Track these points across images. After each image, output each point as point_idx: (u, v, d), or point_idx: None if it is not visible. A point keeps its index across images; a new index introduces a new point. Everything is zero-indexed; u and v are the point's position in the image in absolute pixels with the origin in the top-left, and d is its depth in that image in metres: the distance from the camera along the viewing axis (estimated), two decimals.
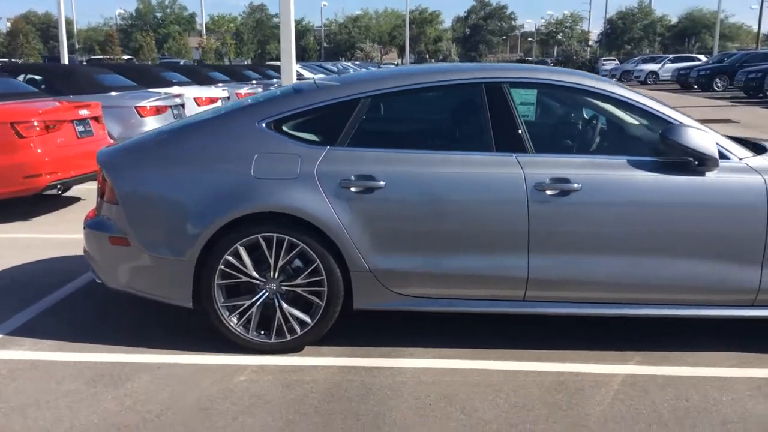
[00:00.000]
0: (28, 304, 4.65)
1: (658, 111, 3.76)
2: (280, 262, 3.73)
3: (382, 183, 3.65)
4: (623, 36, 73.63)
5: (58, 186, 7.09)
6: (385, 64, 58.01)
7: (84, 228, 4.15)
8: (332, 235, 3.66)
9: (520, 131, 3.76)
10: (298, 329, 3.80)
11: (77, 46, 70.73)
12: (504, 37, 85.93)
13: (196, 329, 4.12)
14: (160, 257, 3.80)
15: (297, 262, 3.77)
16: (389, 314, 3.99)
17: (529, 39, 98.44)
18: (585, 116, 4.38)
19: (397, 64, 54.15)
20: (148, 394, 3.39)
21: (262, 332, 3.83)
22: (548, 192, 3.61)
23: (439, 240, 3.68)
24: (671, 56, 44.30)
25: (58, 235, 6.51)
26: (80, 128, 7.48)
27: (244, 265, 3.74)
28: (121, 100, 9.62)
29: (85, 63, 35.06)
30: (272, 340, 3.82)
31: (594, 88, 3.86)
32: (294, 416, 3.17)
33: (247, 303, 3.80)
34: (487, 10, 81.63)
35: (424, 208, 3.68)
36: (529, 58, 74.68)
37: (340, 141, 3.81)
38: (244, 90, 14.54)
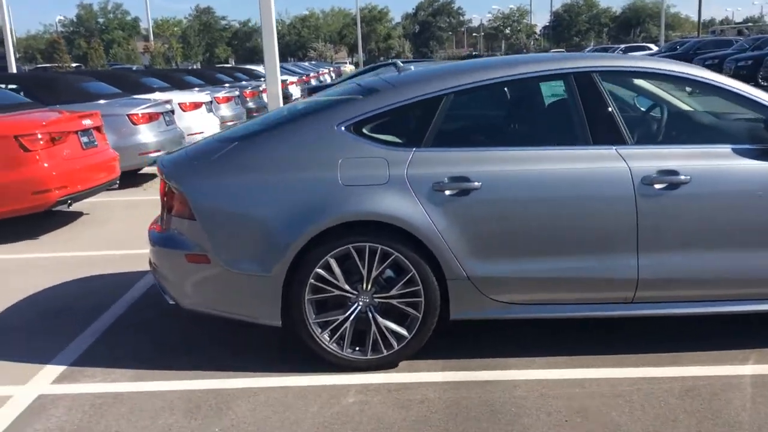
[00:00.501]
0: (76, 330, 4.31)
1: (759, 98, 3.66)
2: (374, 273, 3.51)
3: (477, 184, 3.46)
4: (570, 28, 74.76)
5: (68, 201, 6.69)
6: (338, 63, 57.63)
7: (152, 245, 3.85)
8: (427, 241, 3.45)
9: (617, 122, 3.61)
10: (394, 343, 3.58)
11: (17, 55, 68.37)
12: (452, 33, 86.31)
13: (278, 348, 3.87)
14: (245, 274, 3.54)
15: (389, 272, 3.56)
16: (469, 322, 3.78)
17: (474, 34, 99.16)
18: (679, 104, 4.25)
19: (357, 64, 53.86)
20: (257, 423, 3.14)
21: (357, 348, 3.61)
22: (656, 186, 3.47)
23: (541, 241, 3.51)
24: (623, 46, 45.11)
25: (73, 254, 6.13)
26: (85, 139, 7.08)
27: (335, 277, 3.52)
28: (112, 109, 9.18)
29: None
30: (368, 356, 3.60)
31: (690, 75, 3.73)
32: None
33: (341, 318, 3.57)
34: (435, 6, 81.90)
35: (524, 209, 3.50)
36: (475, 53, 75.14)
37: (426, 141, 3.60)
38: (222, 94, 14.14)
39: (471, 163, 3.52)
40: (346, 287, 3.54)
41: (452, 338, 3.88)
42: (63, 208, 6.77)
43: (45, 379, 3.66)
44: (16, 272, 5.67)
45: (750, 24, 77.34)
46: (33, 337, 4.24)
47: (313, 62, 48.85)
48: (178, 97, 11.83)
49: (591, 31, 74.54)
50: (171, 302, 3.80)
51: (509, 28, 77.70)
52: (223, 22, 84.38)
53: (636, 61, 3.87)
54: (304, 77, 27.62)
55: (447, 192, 3.46)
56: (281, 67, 36.81)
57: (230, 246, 3.56)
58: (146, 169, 10.06)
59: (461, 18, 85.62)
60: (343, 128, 3.63)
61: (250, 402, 3.33)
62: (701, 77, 3.72)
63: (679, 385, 3.32)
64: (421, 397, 3.31)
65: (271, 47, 12.29)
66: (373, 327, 3.57)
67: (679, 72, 3.75)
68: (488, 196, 3.47)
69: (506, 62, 3.99)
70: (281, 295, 3.53)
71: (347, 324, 3.57)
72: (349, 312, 3.57)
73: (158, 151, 9.44)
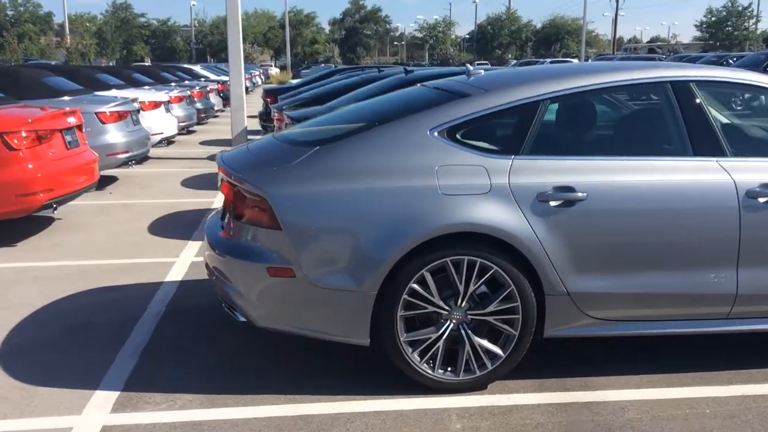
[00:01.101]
0: (110, 348, 3.92)
1: None
2: (471, 289, 3.32)
3: (583, 194, 3.33)
4: (493, 41, 76.35)
5: (54, 205, 6.15)
6: (263, 65, 56.73)
7: (220, 255, 3.51)
8: (530, 255, 3.29)
9: (717, 133, 3.55)
10: (488, 363, 3.40)
11: None
12: (379, 40, 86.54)
13: (357, 369, 3.62)
14: (334, 289, 3.28)
15: (482, 288, 3.38)
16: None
17: (395, 43, 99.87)
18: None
19: (284, 67, 53.09)
20: None
21: (449, 369, 3.40)
22: (761, 199, 3.43)
23: (644, 255, 3.41)
24: (549, 60, 46.38)
25: (64, 263, 5.64)
26: (69, 138, 6.55)
27: (430, 293, 3.31)
28: (80, 105, 8.56)
29: None
30: (460, 378, 3.40)
31: None
32: None
33: (434, 336, 3.36)
34: (362, 14, 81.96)
35: (629, 221, 3.39)
36: (397, 62, 75.63)
37: (524, 149, 3.44)
38: (175, 93, 13.55)
39: (575, 172, 3.39)
40: (441, 303, 3.33)
41: (530, 354, 3.73)
42: (47, 212, 6.22)
43: (102, 407, 3.28)
44: (12, 283, 5.14)
45: (659, 43, 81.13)
46: (66, 357, 3.82)
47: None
48: (136, 95, 11.22)
49: (513, 44, 76.36)
50: (242, 319, 3.48)
51: (434, 38, 78.54)
52: (142, 20, 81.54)
53: (734, 72, 3.82)
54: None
55: (552, 203, 3.32)
56: (215, 67, 35.81)
57: (319, 259, 3.29)
58: (109, 171, 9.46)
59: (388, 26, 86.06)
60: (436, 134, 3.43)
61: (348, 430, 3.07)
62: None
63: None
64: (531, 421, 3.15)
65: (236, 48, 11.86)
66: (467, 346, 3.37)
67: None
68: (594, 207, 3.34)
69: (604, 69, 3.85)
70: (371, 312, 3.29)
71: (440, 343, 3.36)
72: (442, 330, 3.36)
73: (126, 152, 8.91)
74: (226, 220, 3.77)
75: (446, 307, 3.35)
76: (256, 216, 3.38)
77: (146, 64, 51.87)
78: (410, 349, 3.35)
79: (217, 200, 8.29)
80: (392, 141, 3.46)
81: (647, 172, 3.44)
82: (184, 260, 5.71)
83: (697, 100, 3.58)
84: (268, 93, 14.32)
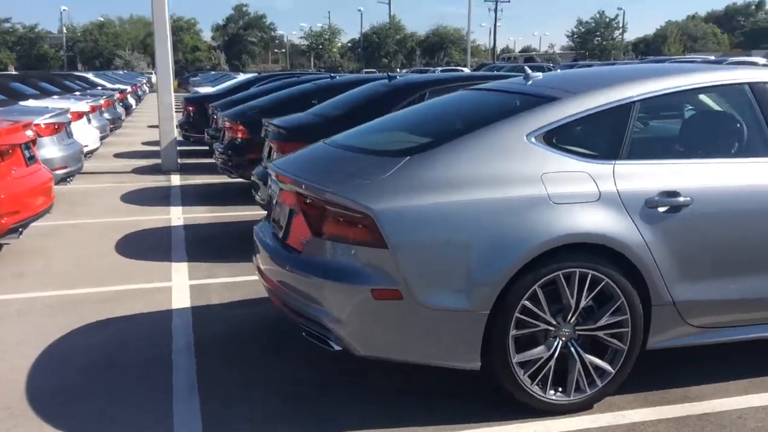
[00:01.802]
0: (159, 393, 3.46)
1: None
2: (582, 303, 3.17)
3: (688, 199, 3.25)
4: (379, 50, 77.13)
5: (20, 229, 5.46)
6: (148, 72, 54.45)
7: (307, 276, 3.16)
8: (640, 265, 3.18)
9: None
10: (598, 381, 3.25)
11: None
12: (264, 47, 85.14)
13: (451, 395, 3.37)
14: (444, 310, 3.02)
15: (590, 302, 3.23)
16: None
17: (275, 50, 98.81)
18: None
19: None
20: None
21: (559, 390, 3.23)
22: None
23: (747, 259, 3.38)
24: (440, 68, 47.33)
25: (38, 294, 5.02)
26: (27, 154, 5.85)
27: (542, 309, 3.12)
28: (11, 117, 7.72)
29: None
30: (571, 398, 3.23)
31: None
32: None
33: (545, 356, 3.17)
34: (246, 20, 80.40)
35: (732, 224, 3.35)
36: (284, 69, 74.77)
37: (623, 153, 3.32)
38: (90, 104, 12.59)
39: (677, 176, 3.30)
40: (551, 320, 3.16)
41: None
42: (13, 238, 5.50)
43: None
44: None
45: (534, 52, 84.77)
46: (112, 406, 3.32)
47: (121, 71, 45.70)
48: (59, 105, 10.30)
49: (399, 53, 77.46)
50: (336, 348, 3.14)
51: (320, 46, 78.35)
52: (6, 25, 76.18)
53: None
54: (130, 88, 25.75)
55: (660, 209, 3.22)
56: (104, 74, 33.92)
57: (428, 278, 3.02)
58: None
59: (272, 33, 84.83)
60: (533, 139, 3.26)
61: None
62: None
63: None
64: None
65: (164, 55, 11.20)
66: (578, 364, 3.21)
67: None
68: (699, 211, 3.27)
69: (687, 70, 3.77)
70: (483, 333, 3.07)
71: (551, 362, 3.18)
72: (553, 348, 3.18)
73: (65, 167, 8.14)
74: (289, 234, 3.43)
75: (556, 324, 3.18)
76: (354, 234, 3.07)
77: (12, 72, 48.41)
78: (522, 371, 3.15)
79: (174, 216, 7.72)
80: (490, 148, 3.25)
81: (745, 173, 3.42)
82: (181, 285, 5.21)
83: None
84: (190, 102, 13.61)
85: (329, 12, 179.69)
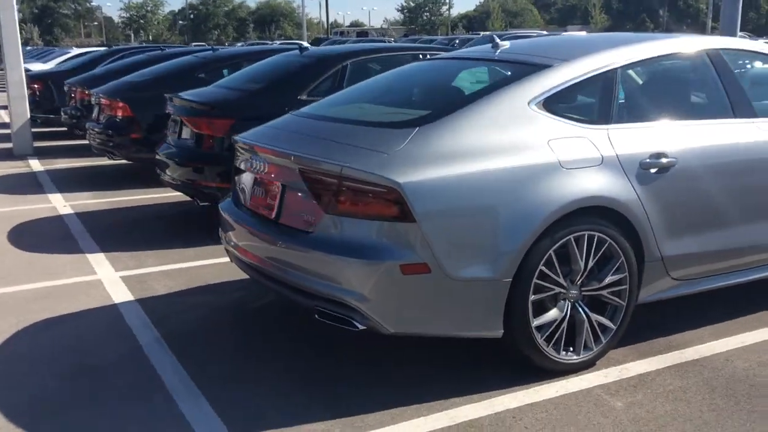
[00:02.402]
0: (154, 393, 3.17)
1: None
2: (590, 264, 3.29)
3: (674, 159, 3.46)
4: (207, 21, 74.27)
5: None
6: None
7: (331, 256, 3.01)
8: (637, 224, 3.36)
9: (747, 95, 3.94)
10: (602, 338, 3.40)
11: None
12: (79, 21, 78.89)
13: (468, 366, 3.37)
14: (471, 280, 3.02)
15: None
16: None
17: (86, 24, 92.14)
18: None
19: None
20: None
21: (570, 349, 3.34)
22: None
23: (722, 212, 3.66)
24: (278, 42, 46.44)
25: None
26: None
27: (556, 273, 3.21)
28: None
29: None
30: (581, 356, 3.35)
31: None
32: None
33: (559, 318, 3.26)
34: None
35: (713, 181, 3.61)
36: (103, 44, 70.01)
37: (613, 118, 3.48)
38: None
39: (663, 138, 3.51)
40: (564, 283, 3.25)
41: None
42: None
43: None
44: None
45: (366, 27, 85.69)
46: (114, 415, 2.99)
47: None
48: None
49: (229, 26, 75.05)
50: (360, 328, 3.03)
51: (143, 19, 74.02)
52: None
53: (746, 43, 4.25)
54: None
55: (652, 170, 3.40)
56: None
57: (455, 250, 3.00)
58: None
59: (88, 5, 78.80)
60: (534, 106, 3.31)
61: (527, 428, 2.86)
62: None
63: None
64: (676, 386, 3.19)
65: (12, 26, 10.04)
66: (586, 323, 3.33)
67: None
68: (683, 170, 3.49)
69: (661, 37, 3.99)
70: (506, 301, 3.10)
71: (564, 324, 3.28)
72: (565, 310, 3.28)
73: None
74: (283, 212, 3.28)
75: (566, 287, 3.27)
76: (377, 209, 2.97)
77: None
78: (539, 335, 3.21)
79: (59, 205, 7.02)
80: (498, 116, 3.26)
81: (721, 133, 3.69)
82: (110, 277, 4.77)
83: (728, 67, 3.91)
84: (34, 79, 12.36)
85: None
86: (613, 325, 3.41)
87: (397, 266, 2.93)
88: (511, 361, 3.33)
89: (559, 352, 3.28)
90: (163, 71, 8.39)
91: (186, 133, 5.81)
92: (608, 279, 3.34)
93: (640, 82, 3.97)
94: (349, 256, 2.98)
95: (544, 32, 31.98)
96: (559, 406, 3.04)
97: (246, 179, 3.72)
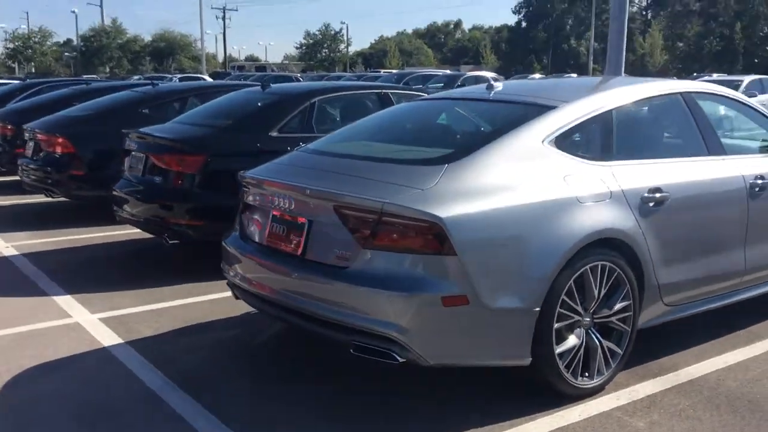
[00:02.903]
0: None
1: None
2: (602, 292, 3.51)
3: (667, 194, 3.76)
4: (101, 54, 71.87)
5: None
6: None
7: (373, 290, 3.08)
8: (640, 254, 3.62)
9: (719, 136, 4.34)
10: (612, 362, 3.61)
11: None
12: None
13: (488, 394, 3.48)
14: (505, 310, 3.16)
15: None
16: None
17: None
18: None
19: None
20: None
21: (585, 375, 3.52)
22: (757, 189, 4.22)
23: (708, 240, 4.01)
24: (178, 77, 45.57)
25: None
26: None
27: (575, 301, 3.40)
28: None
29: None
30: (595, 380, 3.54)
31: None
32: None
33: (578, 345, 3.45)
34: None
35: (697, 212, 3.95)
36: None
37: (615, 155, 3.81)
38: None
39: (657, 173, 3.82)
40: (581, 311, 3.45)
41: None
42: None
43: None
44: None
45: (266, 62, 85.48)
46: None
47: None
48: None
49: (124, 58, 72.85)
50: (400, 360, 3.09)
51: (30, 49, 70.63)
52: None
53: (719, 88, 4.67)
54: None
55: (650, 204, 3.68)
56: None
57: (491, 281, 3.15)
58: None
59: None
60: (547, 143, 3.53)
61: None
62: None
63: None
64: (684, 404, 3.43)
65: None
66: (599, 349, 3.53)
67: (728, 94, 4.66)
68: (675, 203, 3.80)
69: (648, 81, 4.43)
70: (534, 329, 3.26)
71: (581, 350, 3.47)
72: (582, 337, 3.47)
73: None
74: (312, 248, 3.34)
75: (582, 314, 3.47)
76: (418, 243, 3.07)
77: None
78: (560, 362, 3.38)
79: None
80: (518, 153, 3.46)
81: (702, 170, 4.04)
82: (89, 320, 4.59)
83: (700, 109, 4.30)
84: None
85: (27, 13, 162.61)
86: (620, 350, 3.63)
87: (438, 298, 3.03)
88: (528, 389, 3.49)
89: (576, 378, 3.46)
90: (105, 106, 8.16)
91: (152, 170, 5.68)
92: (617, 306, 3.57)
93: (632, 122, 4.29)
94: (391, 290, 3.05)
95: (447, 71, 32.95)
96: (587, 429, 3.21)
97: (259, 215, 3.72)
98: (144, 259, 6.30)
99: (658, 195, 3.72)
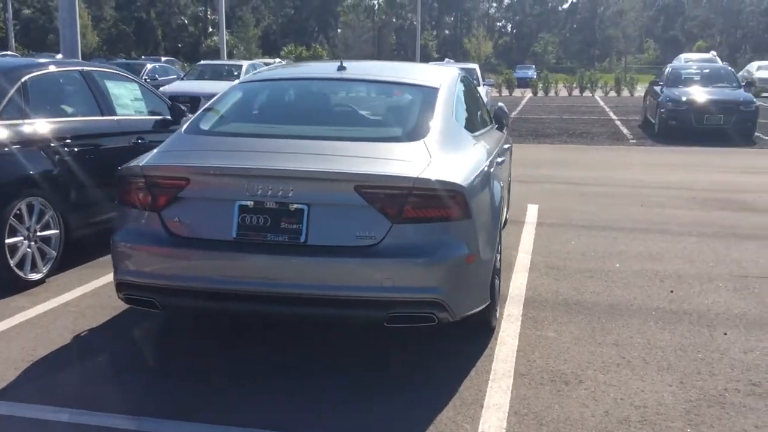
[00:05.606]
0: None
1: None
2: None
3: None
4: None
5: None
6: None
7: (409, 260, 3.29)
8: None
9: None
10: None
11: None
12: None
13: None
14: (486, 260, 3.70)
15: None
16: None
17: None
18: None
19: None
20: None
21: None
22: None
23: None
24: None
25: None
26: None
27: None
28: None
29: None
30: None
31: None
32: None
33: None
34: None
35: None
36: None
37: None
38: None
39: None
40: None
41: None
42: None
43: None
44: None
45: None
46: None
47: None
48: None
49: None
50: (438, 320, 3.40)
51: None
52: None
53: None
54: None
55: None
56: None
57: (485, 237, 3.71)
58: None
59: None
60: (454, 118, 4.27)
61: None
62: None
63: None
64: None
65: None
66: None
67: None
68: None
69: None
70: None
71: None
72: None
73: None
74: (318, 232, 3.34)
75: None
76: (443, 212, 3.39)
77: None
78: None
79: None
80: (455, 128, 4.13)
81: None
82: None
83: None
84: None
85: None
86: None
87: (464, 258, 3.45)
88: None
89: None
90: None
91: None
92: None
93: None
94: (430, 256, 3.28)
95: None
96: None
97: (210, 209, 3.28)
98: None
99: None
